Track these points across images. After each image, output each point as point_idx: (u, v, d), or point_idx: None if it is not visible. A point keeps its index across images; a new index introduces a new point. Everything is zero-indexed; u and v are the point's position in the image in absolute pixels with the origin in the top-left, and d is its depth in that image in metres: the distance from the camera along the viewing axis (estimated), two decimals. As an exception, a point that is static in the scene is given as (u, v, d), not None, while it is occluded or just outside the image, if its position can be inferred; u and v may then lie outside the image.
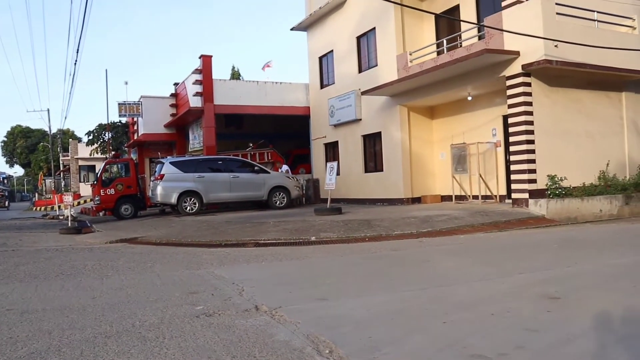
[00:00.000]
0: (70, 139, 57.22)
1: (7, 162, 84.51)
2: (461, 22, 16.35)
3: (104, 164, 22.26)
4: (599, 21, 14.07)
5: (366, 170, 19.99)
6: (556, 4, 13.12)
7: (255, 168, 19.31)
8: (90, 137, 34.92)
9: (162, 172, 18.05)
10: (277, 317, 4.79)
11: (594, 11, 13.95)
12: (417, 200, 17.75)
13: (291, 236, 11.48)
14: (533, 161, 13.35)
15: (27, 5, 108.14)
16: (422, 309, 5.03)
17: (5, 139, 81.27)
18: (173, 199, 17.92)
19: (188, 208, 17.81)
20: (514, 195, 13.86)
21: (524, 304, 5.02)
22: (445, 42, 16.00)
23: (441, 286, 6.03)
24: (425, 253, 9.02)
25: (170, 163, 18.42)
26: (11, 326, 4.81)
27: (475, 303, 5.11)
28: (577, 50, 12.98)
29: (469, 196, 16.36)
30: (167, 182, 17.91)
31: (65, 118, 79.95)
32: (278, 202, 19.04)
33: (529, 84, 13.38)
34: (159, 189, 17.92)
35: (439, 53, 16.24)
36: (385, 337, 4.11)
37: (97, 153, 36.17)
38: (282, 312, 4.95)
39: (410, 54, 16.83)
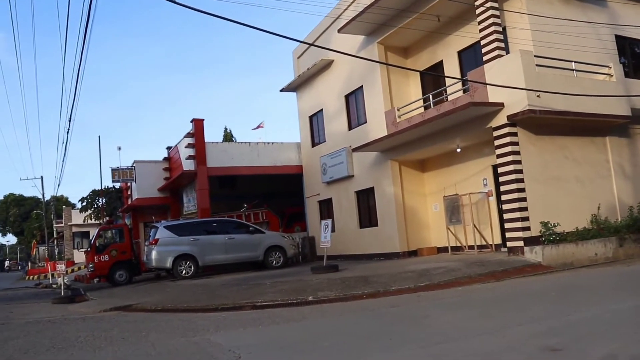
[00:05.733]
0: (64, 206, 56.94)
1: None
2: (445, 78, 16.76)
3: (97, 230, 22.17)
4: (577, 70, 14.46)
5: (361, 226, 19.99)
6: (535, 56, 13.52)
7: (250, 229, 19.30)
8: (84, 204, 35.00)
9: (156, 237, 18.00)
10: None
11: (571, 61, 14.36)
12: (413, 253, 17.68)
13: (288, 297, 11.34)
14: (525, 209, 13.42)
15: (20, 74, 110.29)
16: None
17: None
18: (168, 264, 17.81)
19: (184, 272, 17.68)
20: (509, 244, 13.86)
21: (525, 358, 4.96)
22: (431, 97, 16.34)
23: (440, 343, 5.97)
24: (423, 308, 8.93)
25: (165, 227, 18.40)
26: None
27: (476, 360, 5.05)
28: (559, 99, 13.30)
29: (465, 247, 16.33)
30: (161, 246, 17.84)
31: (59, 185, 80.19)
32: (274, 262, 18.92)
33: (515, 134, 13.61)
34: (153, 254, 17.83)
35: (426, 108, 16.56)
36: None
37: (90, 219, 36.06)
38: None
39: (398, 110, 17.16)
